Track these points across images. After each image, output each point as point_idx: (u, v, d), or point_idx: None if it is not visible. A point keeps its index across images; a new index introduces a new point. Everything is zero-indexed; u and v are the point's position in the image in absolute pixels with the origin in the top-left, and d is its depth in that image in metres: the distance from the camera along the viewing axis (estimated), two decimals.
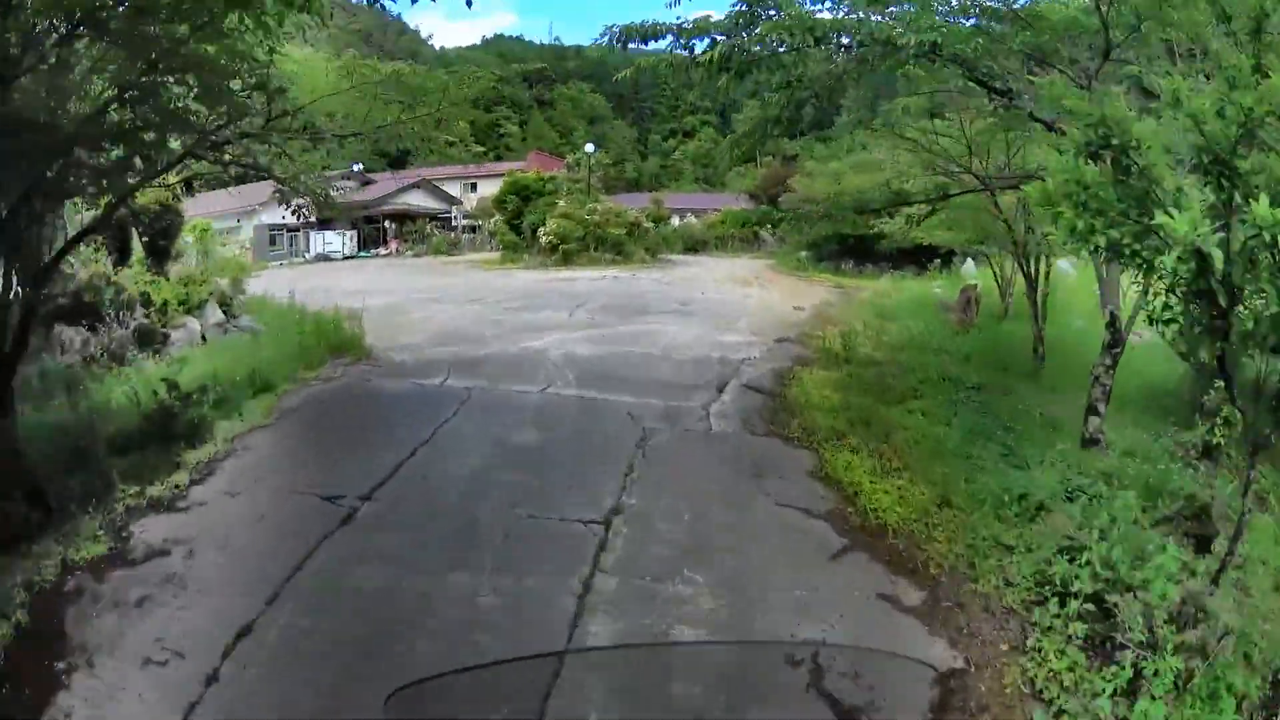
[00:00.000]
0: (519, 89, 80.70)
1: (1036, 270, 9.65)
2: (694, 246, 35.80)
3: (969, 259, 20.82)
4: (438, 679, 2.98)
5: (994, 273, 13.25)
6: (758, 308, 15.45)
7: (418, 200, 42.54)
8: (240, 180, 7.77)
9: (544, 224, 27.49)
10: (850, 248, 25.00)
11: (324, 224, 39.13)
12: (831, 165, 18.56)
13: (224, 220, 41.41)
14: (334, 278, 21.91)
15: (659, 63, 6.61)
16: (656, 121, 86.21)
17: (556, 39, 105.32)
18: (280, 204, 7.64)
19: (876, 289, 19.03)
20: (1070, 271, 14.05)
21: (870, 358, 9.81)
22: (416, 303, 15.73)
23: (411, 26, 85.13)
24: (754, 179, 39.82)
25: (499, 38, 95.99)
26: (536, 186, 30.35)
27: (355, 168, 47.60)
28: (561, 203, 29.67)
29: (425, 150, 69.65)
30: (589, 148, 38.65)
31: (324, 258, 36.90)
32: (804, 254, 31.41)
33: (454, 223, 43.89)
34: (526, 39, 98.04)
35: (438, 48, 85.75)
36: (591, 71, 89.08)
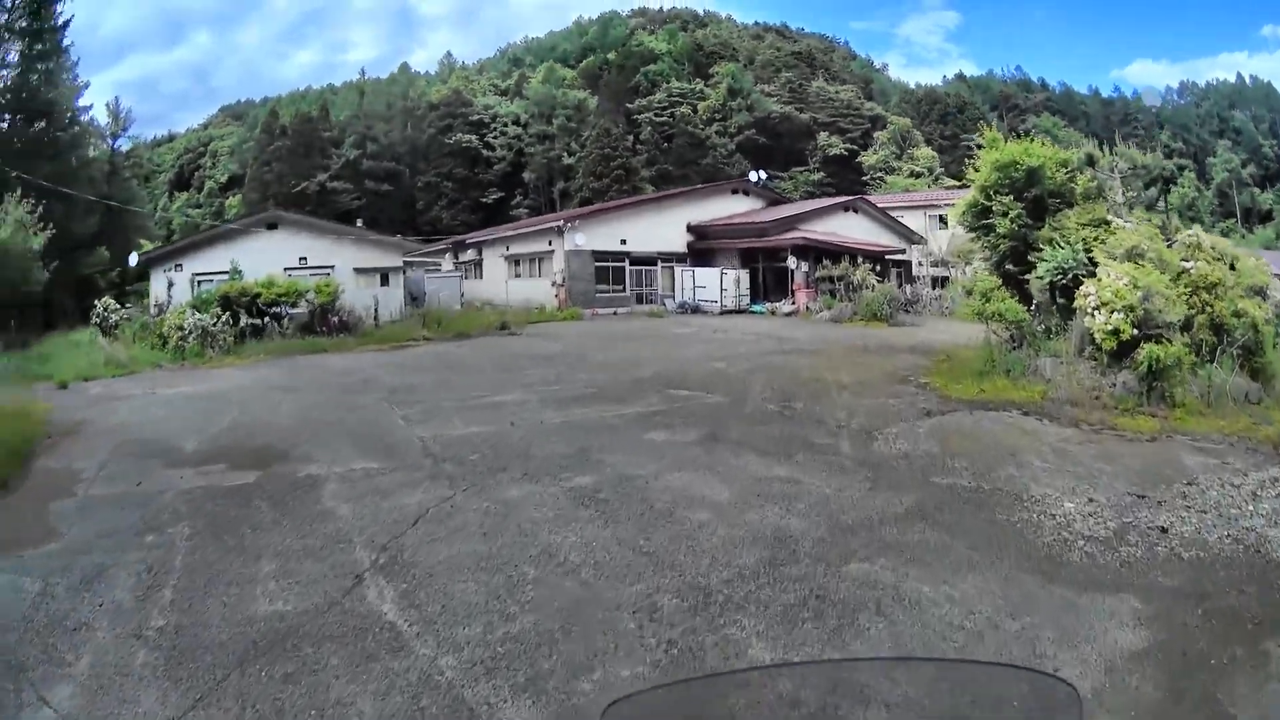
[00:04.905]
0: (988, 117, 72.18)
1: None
2: None
3: None
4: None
5: None
6: None
7: (851, 230, 26.84)
8: None
9: (1083, 281, 9.94)
10: None
11: (699, 257, 25.38)
12: None
13: (529, 243, 25.84)
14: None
15: None
16: None
17: (1018, 69, 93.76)
18: None
19: None
20: None
21: None
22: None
23: (862, 55, 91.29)
24: None
25: (959, 77, 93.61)
26: (1055, 180, 11.66)
27: (755, 176, 34.19)
28: (1126, 224, 11.18)
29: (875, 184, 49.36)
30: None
31: (693, 309, 23.29)
32: None
33: (914, 269, 28.40)
34: (992, 73, 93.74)
35: (893, 78, 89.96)
36: (1061, 108, 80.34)
